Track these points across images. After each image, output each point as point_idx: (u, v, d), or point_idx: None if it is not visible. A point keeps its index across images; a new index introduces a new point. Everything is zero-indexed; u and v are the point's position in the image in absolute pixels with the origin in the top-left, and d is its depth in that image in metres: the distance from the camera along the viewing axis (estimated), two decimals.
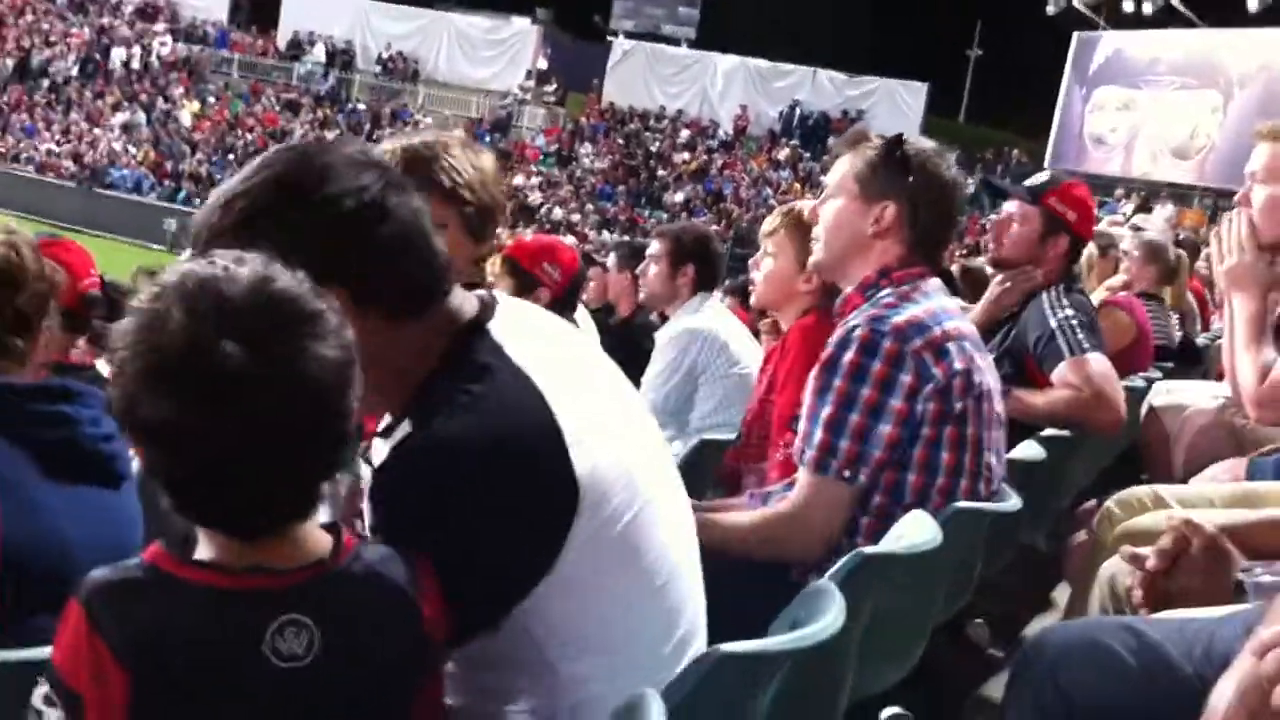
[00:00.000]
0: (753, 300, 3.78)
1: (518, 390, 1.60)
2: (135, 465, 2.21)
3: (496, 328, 1.69)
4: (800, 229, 3.47)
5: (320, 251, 1.54)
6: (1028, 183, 4.21)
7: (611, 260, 7.22)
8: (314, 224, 1.57)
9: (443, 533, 1.51)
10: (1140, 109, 32.68)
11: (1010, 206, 4.06)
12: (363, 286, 1.59)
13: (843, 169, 2.85)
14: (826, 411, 2.60)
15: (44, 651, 1.39)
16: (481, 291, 1.74)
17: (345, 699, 1.41)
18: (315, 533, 1.45)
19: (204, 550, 1.42)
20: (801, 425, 2.68)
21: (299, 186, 1.61)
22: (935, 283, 2.79)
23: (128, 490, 2.22)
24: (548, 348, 1.73)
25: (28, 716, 1.34)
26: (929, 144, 2.87)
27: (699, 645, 1.73)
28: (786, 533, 2.64)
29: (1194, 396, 4.27)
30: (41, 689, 1.33)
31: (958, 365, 2.61)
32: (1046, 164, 30.91)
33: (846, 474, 2.58)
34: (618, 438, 1.67)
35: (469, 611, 1.53)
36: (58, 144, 35.52)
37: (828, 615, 1.72)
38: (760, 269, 3.74)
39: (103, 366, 3.94)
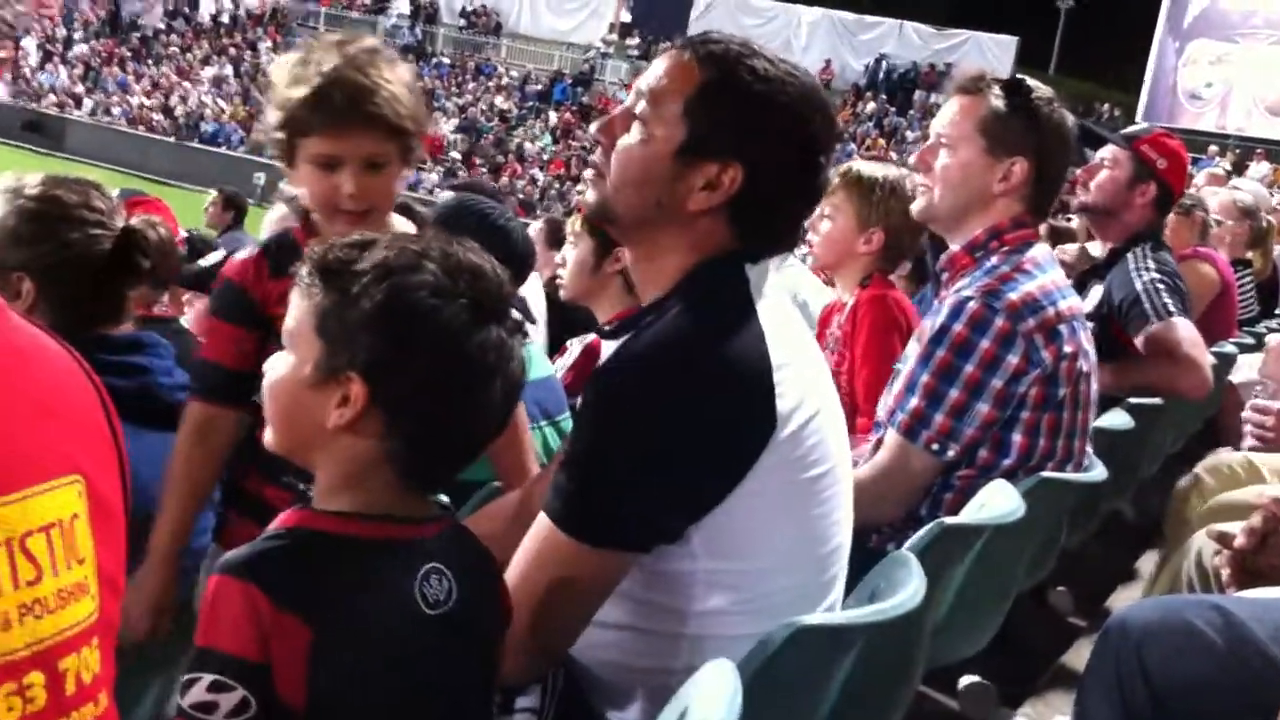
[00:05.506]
0: (809, 262, 3.70)
1: (742, 326, 1.64)
2: None
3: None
4: (859, 188, 3.42)
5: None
6: (1124, 131, 4.16)
7: None
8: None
9: (647, 431, 1.56)
10: (1235, 63, 31.89)
11: (1104, 152, 3.99)
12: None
13: (963, 115, 2.69)
14: (925, 380, 2.54)
15: None
16: None
17: (472, 648, 1.46)
18: None
19: (338, 499, 1.42)
20: (897, 386, 2.64)
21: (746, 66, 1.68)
22: (1045, 250, 2.70)
23: None
24: (777, 306, 1.76)
25: None
26: (1047, 90, 2.71)
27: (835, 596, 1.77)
28: (865, 496, 2.61)
29: None
30: (202, 682, 1.29)
31: (1067, 349, 2.54)
32: (1139, 119, 30.31)
33: (935, 447, 2.54)
34: (819, 400, 1.70)
35: (657, 519, 1.58)
36: (148, 97, 36.04)
37: (908, 587, 1.70)
38: (818, 230, 3.57)
39: (186, 320, 4.04)
